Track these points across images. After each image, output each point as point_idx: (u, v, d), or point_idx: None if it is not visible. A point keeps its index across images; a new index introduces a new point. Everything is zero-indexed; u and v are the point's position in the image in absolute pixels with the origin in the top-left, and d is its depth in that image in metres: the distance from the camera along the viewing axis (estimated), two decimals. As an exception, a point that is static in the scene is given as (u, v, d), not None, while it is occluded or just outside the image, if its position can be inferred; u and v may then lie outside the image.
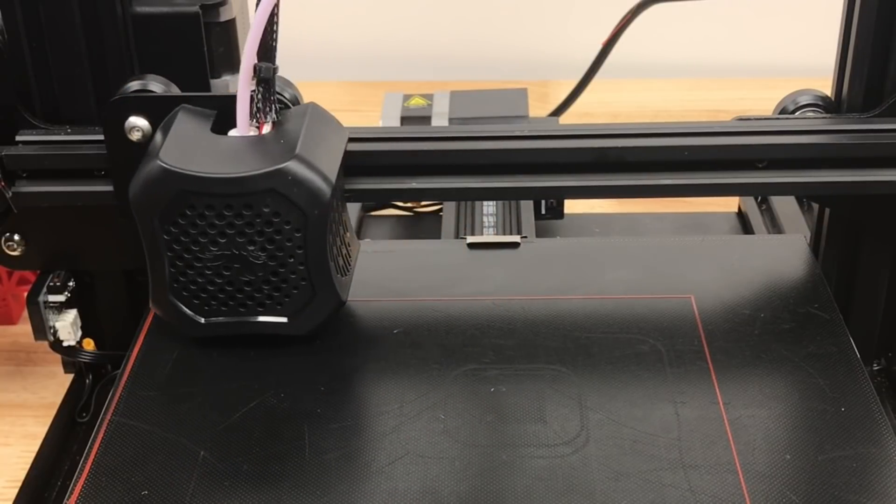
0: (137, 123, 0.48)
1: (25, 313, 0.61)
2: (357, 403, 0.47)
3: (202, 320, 0.49)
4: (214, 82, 0.52)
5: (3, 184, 0.51)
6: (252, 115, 0.47)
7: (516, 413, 0.45)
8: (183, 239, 0.47)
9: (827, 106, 0.53)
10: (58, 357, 0.59)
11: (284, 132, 0.47)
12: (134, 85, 0.50)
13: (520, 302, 0.52)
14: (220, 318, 0.49)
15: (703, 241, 0.56)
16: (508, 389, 0.46)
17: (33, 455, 0.55)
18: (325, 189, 0.46)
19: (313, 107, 0.49)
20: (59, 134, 0.52)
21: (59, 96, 0.52)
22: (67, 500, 0.42)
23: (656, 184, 0.51)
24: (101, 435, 0.45)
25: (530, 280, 0.53)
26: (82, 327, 0.57)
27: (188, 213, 0.46)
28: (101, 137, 0.50)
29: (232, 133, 0.47)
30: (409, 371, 0.48)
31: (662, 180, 0.51)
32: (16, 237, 0.54)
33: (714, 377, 0.47)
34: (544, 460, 0.43)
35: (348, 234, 0.51)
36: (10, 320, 0.67)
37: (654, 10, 0.63)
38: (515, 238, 0.56)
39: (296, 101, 0.52)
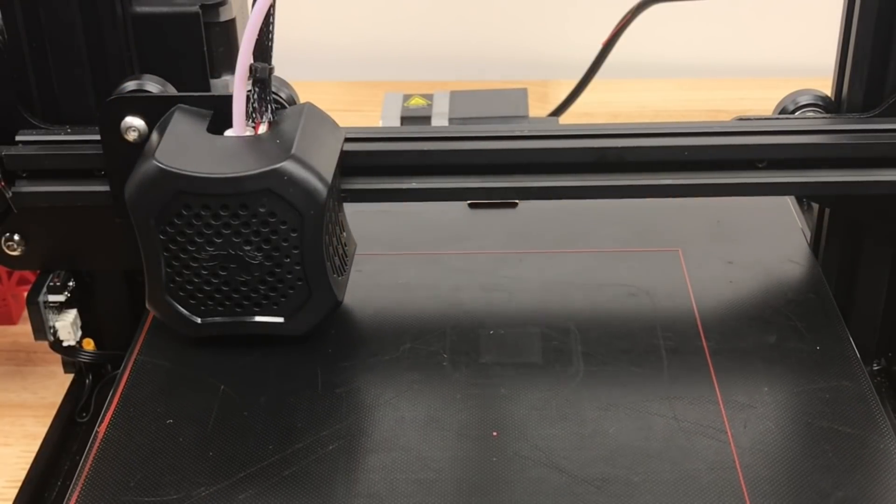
0: (133, 123, 0.49)
1: (25, 313, 0.62)
2: (366, 344, 0.50)
3: (198, 320, 0.49)
4: (214, 82, 0.52)
5: (3, 184, 0.51)
6: (248, 115, 0.47)
7: (513, 351, 0.49)
8: (179, 239, 0.47)
9: (827, 106, 0.53)
10: (58, 357, 0.59)
11: (280, 132, 0.47)
12: (130, 85, 0.50)
13: (518, 255, 0.56)
14: (217, 319, 0.49)
15: (692, 201, 0.59)
16: (506, 331, 0.50)
17: (33, 455, 0.55)
18: (321, 189, 0.46)
19: (309, 107, 0.49)
20: (59, 134, 0.52)
21: (59, 96, 0.52)
22: (98, 427, 0.46)
23: (656, 184, 0.51)
24: (127, 371, 0.49)
25: (528, 236, 0.57)
26: (82, 327, 0.58)
27: (184, 213, 0.46)
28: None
29: (228, 133, 0.48)
30: (414, 315, 0.52)
31: (662, 180, 0.51)
32: (16, 237, 0.54)
33: (698, 319, 0.51)
34: (539, 393, 0.47)
35: (345, 234, 0.51)
36: (10, 320, 0.67)
37: (654, 10, 0.63)
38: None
39: (292, 100, 0.52)
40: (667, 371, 0.48)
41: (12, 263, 0.56)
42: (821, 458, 0.43)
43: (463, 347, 0.49)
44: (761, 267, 0.54)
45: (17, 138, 0.52)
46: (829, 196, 0.53)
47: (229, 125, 0.47)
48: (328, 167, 0.47)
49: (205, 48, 0.51)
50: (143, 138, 0.48)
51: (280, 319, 0.49)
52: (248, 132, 0.47)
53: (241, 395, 0.47)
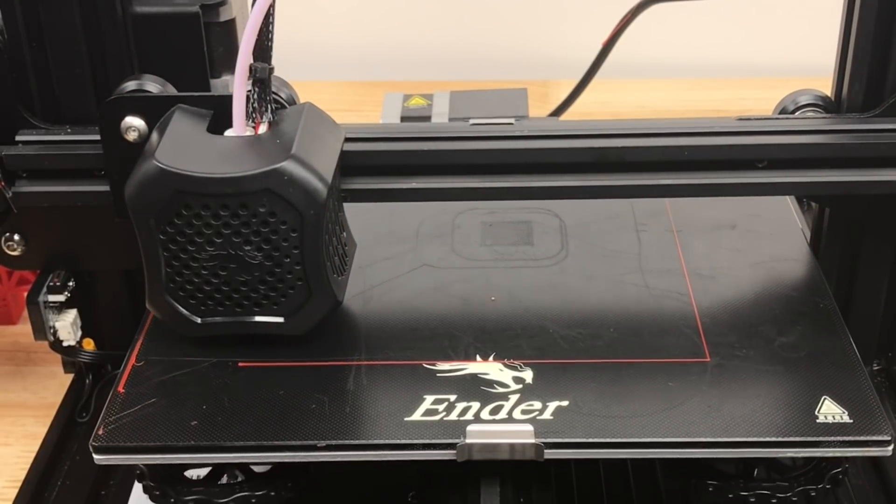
0: (133, 123, 0.49)
1: (25, 313, 0.62)
2: (380, 231, 0.58)
3: (198, 320, 0.49)
4: (214, 82, 0.52)
5: (2, 184, 0.51)
6: (248, 115, 0.47)
7: (509, 238, 0.57)
8: (179, 239, 0.47)
9: (827, 106, 0.53)
10: (58, 357, 0.60)
11: (280, 132, 0.47)
12: (130, 85, 0.50)
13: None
14: (217, 318, 0.49)
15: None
16: (503, 222, 0.59)
17: (33, 455, 0.56)
18: (321, 189, 0.46)
19: (309, 107, 0.49)
20: (59, 134, 0.52)
21: (59, 96, 0.52)
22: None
23: (656, 184, 0.51)
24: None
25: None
26: (82, 327, 0.58)
27: (184, 213, 0.46)
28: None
29: (228, 133, 0.48)
30: (422, 209, 0.59)
31: (662, 180, 0.51)
32: (16, 237, 0.55)
33: (669, 211, 0.59)
34: (531, 269, 0.55)
35: (345, 234, 0.51)
36: (10, 320, 0.68)
37: (654, 10, 0.63)
38: (510, 120, 0.62)
39: (292, 100, 0.52)
40: (641, 251, 0.56)
41: (12, 263, 0.56)
42: (769, 314, 0.51)
43: (465, 234, 0.58)
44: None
45: (17, 138, 0.52)
46: (829, 196, 0.53)
47: (229, 125, 0.47)
48: (328, 167, 0.47)
49: (205, 48, 0.51)
50: (143, 138, 0.48)
51: (280, 319, 0.49)
52: (248, 132, 0.47)
53: None
